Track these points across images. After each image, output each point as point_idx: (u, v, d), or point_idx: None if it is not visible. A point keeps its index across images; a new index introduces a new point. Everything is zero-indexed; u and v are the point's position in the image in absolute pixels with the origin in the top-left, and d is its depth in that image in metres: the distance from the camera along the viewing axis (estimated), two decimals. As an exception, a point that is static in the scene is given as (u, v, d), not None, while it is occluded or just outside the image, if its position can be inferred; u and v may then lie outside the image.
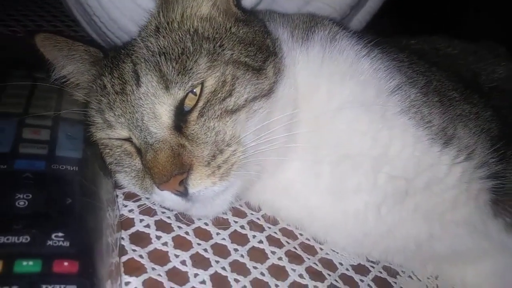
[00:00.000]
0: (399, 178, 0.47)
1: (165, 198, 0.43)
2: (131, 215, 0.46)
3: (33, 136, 0.44)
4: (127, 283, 0.38)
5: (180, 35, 0.45)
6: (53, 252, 0.32)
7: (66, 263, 0.32)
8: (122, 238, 0.43)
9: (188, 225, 0.47)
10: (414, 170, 0.47)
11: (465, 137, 0.48)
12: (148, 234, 0.44)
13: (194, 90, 0.43)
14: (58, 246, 0.33)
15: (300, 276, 0.46)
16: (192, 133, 0.42)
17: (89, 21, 0.70)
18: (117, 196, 0.48)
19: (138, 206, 0.47)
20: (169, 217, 0.47)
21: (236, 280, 0.43)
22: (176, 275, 0.41)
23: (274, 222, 0.52)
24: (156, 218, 0.47)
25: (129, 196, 0.48)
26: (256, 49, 0.47)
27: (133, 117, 0.43)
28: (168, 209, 0.47)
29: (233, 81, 0.43)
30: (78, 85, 0.51)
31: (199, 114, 0.42)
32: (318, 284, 0.45)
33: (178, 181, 0.40)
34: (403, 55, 0.54)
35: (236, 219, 0.51)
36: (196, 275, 0.42)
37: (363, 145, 0.47)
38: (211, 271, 0.42)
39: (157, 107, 0.42)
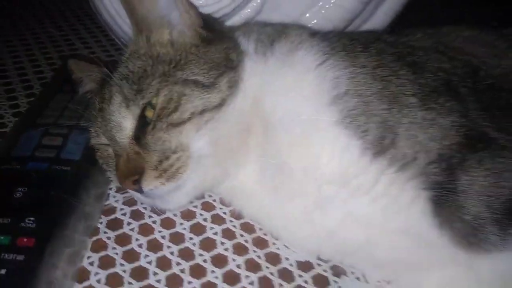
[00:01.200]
0: (328, 186, 0.49)
1: (132, 193, 0.54)
2: (115, 204, 0.59)
3: (49, 142, 0.59)
4: (88, 257, 0.51)
5: (144, 60, 0.54)
6: (21, 231, 0.46)
7: (25, 239, 0.45)
8: (100, 222, 0.56)
9: (159, 215, 0.58)
10: (342, 179, 0.49)
11: (405, 147, 0.47)
12: (122, 220, 0.57)
13: (148, 106, 0.52)
14: (27, 227, 0.46)
15: (238, 266, 0.52)
16: (146, 143, 0.51)
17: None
18: (110, 189, 0.61)
19: (123, 198, 0.60)
20: (145, 208, 0.59)
21: (178, 263, 0.52)
22: (131, 255, 0.52)
23: (239, 217, 0.59)
24: (134, 208, 0.59)
25: (120, 189, 0.61)
26: (211, 67, 0.54)
27: (107, 128, 0.54)
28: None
29: (179, 98, 0.51)
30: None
31: (152, 126, 0.51)
32: (251, 274, 0.51)
33: (131, 181, 0.51)
34: (374, 58, 0.54)
35: (203, 212, 0.59)
36: (146, 256, 0.52)
37: (297, 154, 0.50)
38: (160, 254, 0.53)
39: (121, 121, 0.53)
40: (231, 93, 0.53)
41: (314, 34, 0.59)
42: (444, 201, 0.46)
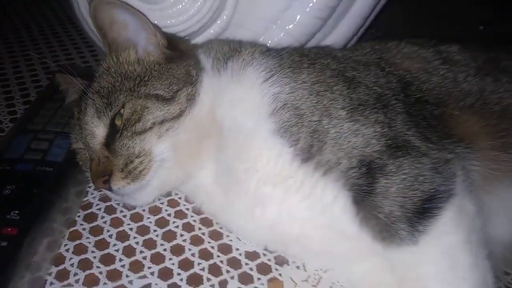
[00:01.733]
0: (266, 186, 0.57)
1: (105, 191, 0.62)
2: (92, 200, 0.68)
3: (37, 146, 0.68)
4: (65, 245, 0.60)
5: (113, 77, 0.62)
6: (7, 222, 0.55)
7: (9, 229, 0.54)
8: (78, 216, 0.65)
9: (129, 210, 0.67)
10: (277, 180, 0.57)
11: (330, 154, 0.55)
12: (97, 214, 0.66)
13: (116, 117, 0.60)
14: (12, 219, 0.55)
15: (193, 255, 0.61)
16: (114, 148, 0.60)
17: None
18: (89, 187, 0.70)
19: (100, 195, 0.69)
20: (118, 204, 0.68)
21: (141, 251, 0.61)
22: (101, 244, 0.61)
23: (200, 212, 0.68)
24: (108, 203, 0.68)
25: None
26: (172, 82, 0.62)
27: (82, 136, 0.63)
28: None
29: (142, 110, 0.59)
30: None
31: (119, 135, 0.60)
32: (203, 261, 0.60)
33: (102, 181, 0.59)
34: (315, 74, 0.61)
35: (168, 208, 0.68)
36: (114, 245, 0.61)
37: (241, 159, 0.58)
38: (126, 243, 0.61)
39: (94, 130, 0.61)
40: (189, 105, 0.61)
41: (267, 51, 0.66)
42: (362, 201, 0.53)
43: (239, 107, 0.59)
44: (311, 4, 0.78)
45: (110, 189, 0.60)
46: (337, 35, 0.87)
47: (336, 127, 0.56)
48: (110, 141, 0.60)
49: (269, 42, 0.80)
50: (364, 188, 0.53)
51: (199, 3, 0.73)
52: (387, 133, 0.56)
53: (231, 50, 0.66)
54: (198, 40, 0.77)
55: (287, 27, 0.80)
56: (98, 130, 0.61)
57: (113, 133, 0.60)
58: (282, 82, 0.59)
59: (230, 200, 0.62)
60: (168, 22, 0.72)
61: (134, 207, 0.67)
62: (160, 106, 0.60)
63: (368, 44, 0.75)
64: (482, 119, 0.62)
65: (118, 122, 0.60)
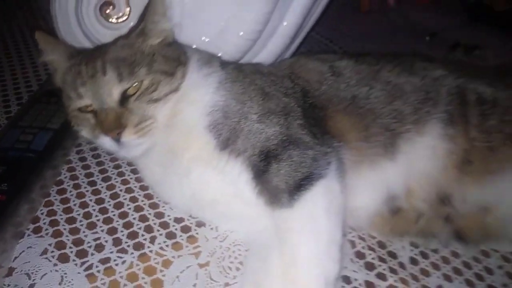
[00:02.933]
0: (194, 164, 0.76)
1: (106, 141, 0.75)
2: (63, 179, 0.90)
3: (24, 138, 0.89)
4: (40, 210, 0.82)
5: (136, 52, 0.78)
6: None
7: (0, 196, 0.77)
8: (52, 190, 0.87)
9: (95, 189, 0.89)
10: (202, 159, 0.75)
11: (240, 145, 0.73)
12: (66, 189, 0.87)
13: (135, 84, 0.75)
14: (2, 189, 0.77)
15: (134, 218, 0.83)
16: (130, 107, 0.75)
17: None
18: (62, 169, 0.92)
19: (70, 175, 0.91)
20: (83, 182, 0.90)
21: (96, 216, 0.82)
22: (67, 210, 0.83)
23: (145, 189, 0.89)
24: (75, 181, 0.90)
25: (70, 169, 0.92)
26: (172, 60, 0.79)
27: (97, 92, 0.75)
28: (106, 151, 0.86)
29: (158, 83, 0.76)
30: (57, 71, 0.82)
31: (136, 98, 0.75)
32: (140, 223, 0.81)
33: (116, 132, 0.73)
34: (243, 86, 0.79)
35: (121, 185, 0.89)
36: (77, 211, 0.83)
37: (180, 142, 0.77)
38: (86, 210, 0.83)
39: (112, 89, 0.75)
40: (182, 81, 0.79)
41: (225, 65, 0.85)
42: (259, 177, 0.72)
43: (193, 106, 0.78)
44: (241, 31, 0.99)
45: (117, 140, 0.74)
46: (267, 52, 1.07)
47: (248, 127, 0.74)
48: (125, 100, 0.75)
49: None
50: (261, 168, 0.71)
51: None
52: (284, 132, 0.73)
53: (208, 59, 0.84)
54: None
55: (223, 47, 1.01)
56: (116, 90, 0.75)
57: (127, 94, 0.75)
58: (223, 92, 0.78)
59: (166, 173, 0.80)
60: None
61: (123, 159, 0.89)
62: (168, 80, 0.77)
63: (287, 60, 0.96)
64: (352, 119, 0.79)
65: (131, 90, 0.74)
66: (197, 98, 0.79)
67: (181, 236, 0.80)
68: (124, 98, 0.74)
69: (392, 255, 0.81)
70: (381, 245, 0.83)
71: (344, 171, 0.74)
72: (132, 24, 0.90)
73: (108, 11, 0.86)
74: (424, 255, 0.82)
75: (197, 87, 0.79)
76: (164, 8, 0.80)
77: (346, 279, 0.75)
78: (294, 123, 0.75)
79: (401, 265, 0.79)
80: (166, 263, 0.75)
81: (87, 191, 0.88)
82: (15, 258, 0.73)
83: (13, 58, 1.32)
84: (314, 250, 0.66)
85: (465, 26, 1.87)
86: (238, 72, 0.82)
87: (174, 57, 0.80)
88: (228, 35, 0.99)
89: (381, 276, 0.77)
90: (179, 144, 0.78)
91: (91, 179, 0.91)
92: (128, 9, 0.87)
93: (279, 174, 0.70)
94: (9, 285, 0.69)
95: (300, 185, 0.69)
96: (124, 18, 0.88)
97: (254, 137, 0.74)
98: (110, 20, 0.87)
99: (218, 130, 0.75)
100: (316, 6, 1.10)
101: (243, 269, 0.75)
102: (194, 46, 0.91)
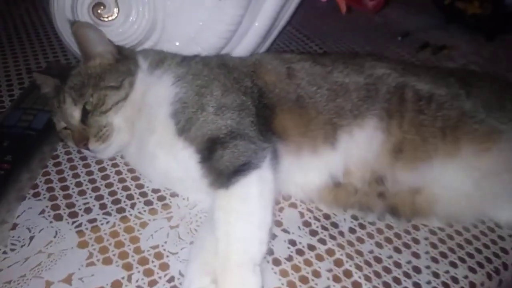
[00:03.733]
0: (158, 145, 0.90)
1: (84, 151, 0.96)
2: (59, 153, 1.05)
3: (26, 118, 1.03)
4: (39, 178, 0.97)
5: (83, 76, 0.94)
6: (4, 161, 0.90)
7: (5, 165, 0.91)
8: (49, 162, 1.02)
9: (85, 163, 1.04)
10: (163, 142, 0.89)
11: (193, 132, 0.86)
12: (61, 162, 1.02)
13: (87, 103, 0.92)
14: (7, 160, 0.91)
15: (118, 188, 0.98)
16: (89, 122, 0.91)
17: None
18: (58, 145, 1.07)
19: (64, 151, 1.06)
20: (76, 157, 1.05)
21: (86, 185, 0.97)
22: (61, 179, 0.98)
23: (128, 165, 1.04)
24: (69, 156, 1.04)
25: (64, 146, 1.07)
26: (119, 75, 0.94)
27: (64, 117, 0.94)
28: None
29: (104, 97, 0.92)
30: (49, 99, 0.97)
31: (92, 114, 0.92)
32: (123, 192, 0.96)
33: (83, 144, 0.91)
34: (205, 80, 0.92)
35: (109, 161, 1.05)
36: (70, 180, 0.98)
37: (148, 127, 0.92)
38: (77, 180, 0.98)
39: (73, 113, 0.92)
40: (130, 89, 0.95)
41: (181, 62, 0.99)
42: (205, 161, 0.85)
43: (156, 98, 0.93)
44: (217, 31, 1.12)
45: (88, 149, 0.93)
46: (241, 49, 1.21)
47: (204, 117, 0.85)
48: (84, 119, 0.93)
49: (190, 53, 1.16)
50: (207, 154, 0.82)
51: (135, 27, 1.08)
52: (235, 126, 0.83)
53: (160, 61, 1.00)
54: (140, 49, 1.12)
55: (202, 44, 1.15)
56: (75, 112, 0.93)
57: (85, 113, 0.92)
58: (182, 85, 0.92)
59: (141, 155, 0.95)
60: (113, 38, 1.08)
61: (102, 159, 1.03)
62: (114, 92, 0.93)
63: (254, 57, 1.08)
64: (294, 116, 0.89)
65: (88, 106, 0.93)
66: (158, 91, 0.94)
67: (157, 203, 0.95)
68: (85, 116, 0.90)
69: (334, 225, 0.96)
70: (326, 216, 0.97)
71: (279, 164, 0.84)
72: (121, 21, 1.05)
73: (99, 11, 0.99)
74: (362, 226, 0.96)
75: (155, 85, 0.94)
76: (96, 35, 0.94)
77: (293, 242, 0.90)
78: (246, 119, 0.85)
79: (341, 233, 0.94)
80: (143, 225, 0.90)
81: (78, 164, 1.03)
82: (18, 216, 0.88)
83: (15, 46, 1.45)
84: (244, 229, 0.75)
85: (440, 27, 2.01)
86: (203, 66, 0.94)
87: (123, 71, 0.94)
88: (206, 34, 1.12)
89: (322, 241, 0.91)
90: (147, 130, 0.93)
91: (82, 154, 1.05)
92: (116, 9, 1.01)
93: (222, 160, 0.80)
94: (13, 236, 0.84)
95: (238, 170, 0.78)
96: (114, 16, 1.01)
97: (207, 126, 0.84)
98: (101, 18, 1.00)
99: (177, 118, 0.87)
100: (286, 9, 1.23)
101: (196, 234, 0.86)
102: (165, 50, 1.08)
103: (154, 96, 0.94)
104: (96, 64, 0.97)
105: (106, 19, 1.01)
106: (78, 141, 0.90)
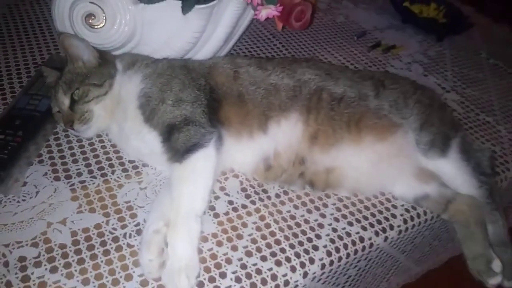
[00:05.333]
0: (131, 131, 1.19)
1: (70, 129, 1.24)
2: (59, 131, 1.35)
3: (33, 102, 1.29)
4: (43, 150, 1.28)
5: (72, 74, 1.21)
6: (16, 135, 1.19)
7: (17, 138, 1.21)
8: (51, 137, 1.33)
9: (79, 139, 1.35)
10: (133, 128, 1.18)
11: (155, 120, 1.10)
12: (60, 137, 1.32)
13: (74, 94, 1.19)
14: (18, 134, 1.19)
15: (103, 158, 1.28)
16: (75, 109, 1.18)
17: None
18: (58, 126, 1.38)
19: (62, 130, 1.36)
20: (72, 134, 1.35)
21: (78, 155, 1.28)
22: (60, 151, 1.28)
23: (111, 141, 1.35)
24: (67, 133, 1.35)
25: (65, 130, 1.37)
26: (102, 77, 1.19)
27: (57, 103, 1.21)
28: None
29: (87, 91, 1.18)
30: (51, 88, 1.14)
31: (77, 102, 1.19)
32: (106, 162, 1.28)
33: (69, 124, 1.18)
34: (167, 77, 1.17)
35: (96, 139, 1.36)
36: (67, 151, 1.29)
37: (123, 115, 1.19)
38: (72, 151, 1.28)
39: (63, 100, 1.19)
40: (110, 88, 1.23)
41: (150, 63, 1.17)
42: (165, 141, 1.10)
43: (128, 93, 1.21)
44: (184, 37, 1.40)
45: (73, 129, 1.20)
46: (205, 51, 1.48)
47: (164, 108, 1.03)
48: (72, 106, 1.20)
49: (163, 55, 1.44)
50: (166, 136, 1.03)
51: (119, 33, 1.36)
52: (189, 115, 1.02)
53: (132, 63, 1.26)
54: (120, 52, 1.42)
55: (173, 47, 1.42)
56: (65, 101, 1.20)
57: (73, 102, 1.19)
58: (148, 82, 1.18)
59: (120, 135, 1.24)
60: (102, 42, 1.36)
61: (87, 138, 1.31)
62: (96, 89, 1.20)
63: (211, 60, 1.33)
64: (236, 108, 1.07)
65: (75, 97, 1.10)
66: (129, 90, 1.21)
67: (131, 171, 1.24)
68: (72, 104, 1.11)
69: (265, 191, 1.25)
70: (259, 185, 1.26)
71: (222, 144, 1.04)
72: (108, 28, 1.34)
73: (91, 20, 1.28)
74: (285, 193, 1.25)
75: (127, 83, 1.22)
76: (79, 43, 1.15)
77: (231, 202, 1.19)
78: (198, 109, 1.04)
79: (268, 197, 1.23)
80: (120, 186, 1.20)
81: (73, 139, 1.31)
82: (27, 176, 1.18)
83: (22, 39, 1.73)
84: (191, 192, 0.95)
85: (397, 28, 2.26)
86: (168, 67, 1.11)
87: (105, 73, 1.14)
88: (176, 39, 1.39)
89: (253, 202, 1.20)
90: (123, 118, 1.21)
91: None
92: (104, 19, 1.29)
93: (178, 141, 1.00)
94: (24, 191, 1.14)
95: (190, 149, 0.98)
96: (102, 25, 1.29)
97: (165, 116, 1.03)
98: (92, 26, 1.30)
99: (143, 109, 1.07)
100: (243, 19, 1.52)
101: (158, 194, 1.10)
102: (146, 54, 1.34)
103: (126, 92, 1.13)
104: (82, 65, 1.14)
105: (96, 27, 1.30)
106: (65, 122, 1.11)
